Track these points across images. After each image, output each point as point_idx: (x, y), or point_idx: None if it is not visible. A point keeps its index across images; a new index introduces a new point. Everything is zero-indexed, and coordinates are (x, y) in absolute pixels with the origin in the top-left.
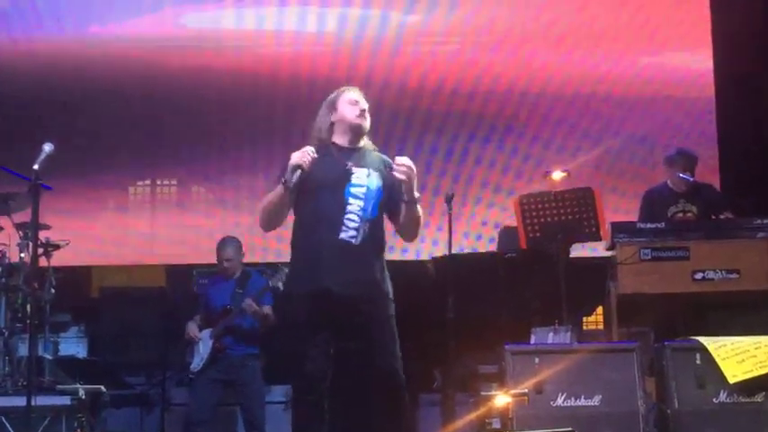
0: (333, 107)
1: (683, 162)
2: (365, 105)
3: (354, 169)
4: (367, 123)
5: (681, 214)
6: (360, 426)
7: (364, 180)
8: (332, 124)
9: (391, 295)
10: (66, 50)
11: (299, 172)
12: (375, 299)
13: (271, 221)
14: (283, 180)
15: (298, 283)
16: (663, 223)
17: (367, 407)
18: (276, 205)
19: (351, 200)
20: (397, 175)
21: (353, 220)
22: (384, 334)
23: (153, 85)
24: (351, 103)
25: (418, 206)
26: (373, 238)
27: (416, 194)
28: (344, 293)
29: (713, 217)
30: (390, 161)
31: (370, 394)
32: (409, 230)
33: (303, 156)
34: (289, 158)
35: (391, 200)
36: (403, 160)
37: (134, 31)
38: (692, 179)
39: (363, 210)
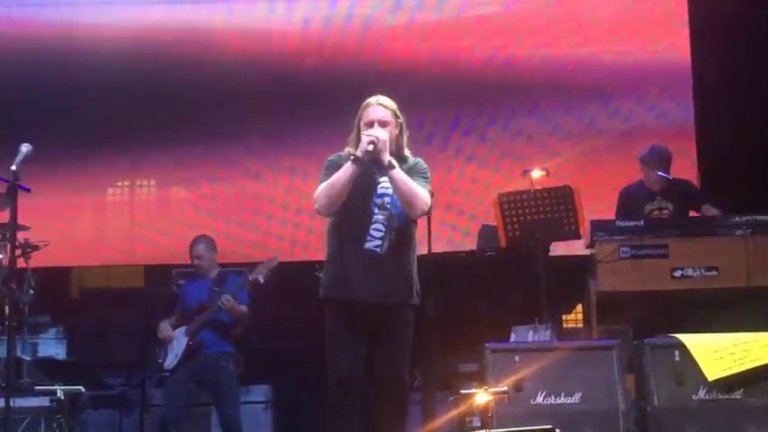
0: (358, 124)
1: (657, 160)
2: (380, 125)
3: (380, 180)
4: (381, 146)
5: (657, 212)
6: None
7: (389, 188)
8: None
9: (414, 301)
10: (44, 47)
11: (371, 147)
12: (393, 306)
13: (334, 201)
14: (353, 157)
15: (330, 290)
16: (642, 221)
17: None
18: (345, 183)
19: (376, 210)
20: (363, 147)
21: (379, 230)
22: (394, 340)
23: (132, 85)
24: (366, 125)
25: (396, 172)
26: (399, 246)
27: (386, 160)
28: (366, 301)
29: (692, 213)
30: (422, 165)
31: (374, 397)
32: (404, 202)
33: (374, 136)
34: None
35: None
36: (369, 132)
37: (113, 29)
38: (670, 177)
39: (389, 219)
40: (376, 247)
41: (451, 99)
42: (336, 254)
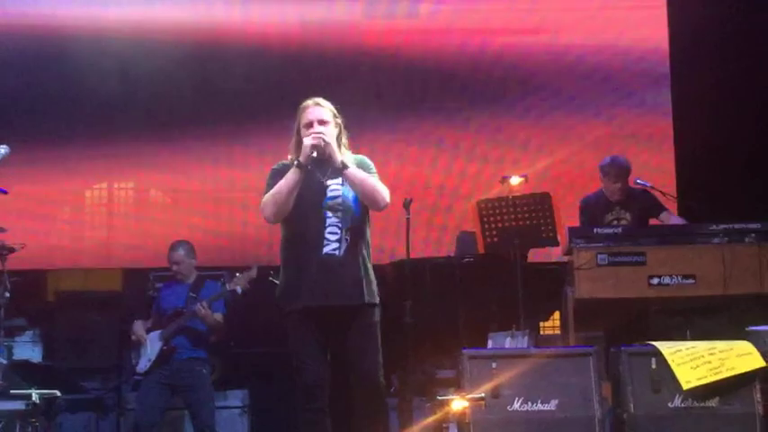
0: (297, 128)
1: (617, 170)
2: (319, 124)
3: (329, 182)
4: (324, 143)
5: (615, 221)
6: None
7: (339, 190)
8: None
9: (376, 300)
10: (18, 48)
11: (314, 153)
12: (358, 307)
13: (281, 209)
14: (296, 162)
15: (288, 300)
16: (620, 228)
17: (348, 411)
18: (291, 189)
19: (329, 213)
20: (306, 151)
21: (334, 233)
22: (364, 340)
23: (109, 87)
24: (306, 127)
25: (352, 171)
26: (356, 245)
27: (338, 160)
28: (329, 305)
29: (650, 221)
30: (366, 160)
31: (351, 399)
32: (365, 198)
33: (317, 138)
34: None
35: None
36: (312, 131)
37: (92, 28)
38: (648, 184)
39: (343, 220)
40: (334, 250)
41: (426, 102)
42: (292, 262)
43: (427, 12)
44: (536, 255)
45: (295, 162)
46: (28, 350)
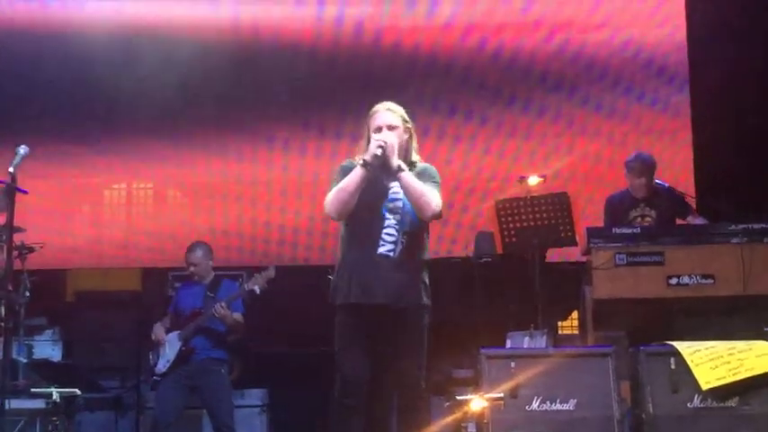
0: (367, 131)
1: (642, 166)
2: (388, 129)
3: (392, 184)
4: (389, 150)
5: (639, 219)
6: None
7: (400, 193)
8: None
9: (425, 302)
10: (39, 47)
11: (379, 151)
12: (408, 309)
13: (344, 206)
14: (362, 161)
15: (338, 296)
16: (638, 228)
17: (388, 411)
18: (355, 187)
19: (388, 215)
20: (372, 151)
21: (391, 234)
22: (411, 343)
23: (128, 86)
24: (375, 131)
25: (405, 175)
26: (412, 249)
27: (395, 164)
28: (377, 303)
29: (678, 221)
30: (431, 169)
31: (392, 400)
32: (415, 205)
33: (383, 140)
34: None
35: None
36: (377, 136)
37: (109, 25)
38: (666, 185)
39: (401, 223)
40: (389, 251)
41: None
42: (349, 259)
43: (445, 10)
44: (554, 255)
45: (360, 161)
46: (48, 349)
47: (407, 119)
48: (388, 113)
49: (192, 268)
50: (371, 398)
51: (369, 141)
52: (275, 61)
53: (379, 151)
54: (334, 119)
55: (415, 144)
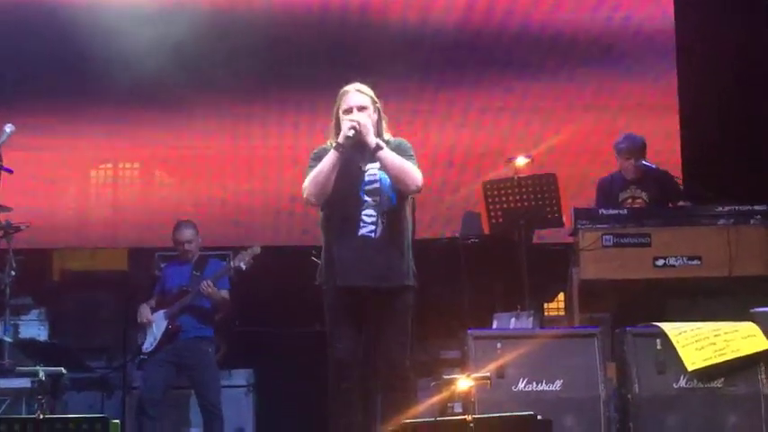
0: (336, 112)
1: (631, 148)
2: (358, 110)
3: (367, 166)
4: (364, 130)
5: (630, 200)
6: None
7: (377, 174)
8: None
9: (410, 283)
10: (27, 22)
11: (351, 132)
12: (392, 289)
13: (321, 190)
14: (335, 145)
15: (325, 279)
16: (625, 210)
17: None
18: (330, 171)
19: (366, 197)
20: (344, 132)
21: (370, 215)
22: (396, 323)
23: (114, 64)
24: (345, 112)
25: (384, 152)
26: (392, 229)
27: (372, 142)
28: (363, 285)
29: (670, 204)
30: (405, 143)
31: (376, 380)
32: (396, 180)
33: (355, 120)
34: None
35: None
36: (349, 117)
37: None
38: (653, 166)
39: (379, 203)
40: (370, 232)
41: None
42: (331, 243)
43: None
44: (543, 236)
45: (333, 144)
46: (34, 329)
47: (376, 99)
48: (358, 94)
49: (185, 245)
50: (364, 379)
51: (338, 124)
52: (265, 35)
53: (351, 132)
54: (324, 96)
55: (384, 123)
